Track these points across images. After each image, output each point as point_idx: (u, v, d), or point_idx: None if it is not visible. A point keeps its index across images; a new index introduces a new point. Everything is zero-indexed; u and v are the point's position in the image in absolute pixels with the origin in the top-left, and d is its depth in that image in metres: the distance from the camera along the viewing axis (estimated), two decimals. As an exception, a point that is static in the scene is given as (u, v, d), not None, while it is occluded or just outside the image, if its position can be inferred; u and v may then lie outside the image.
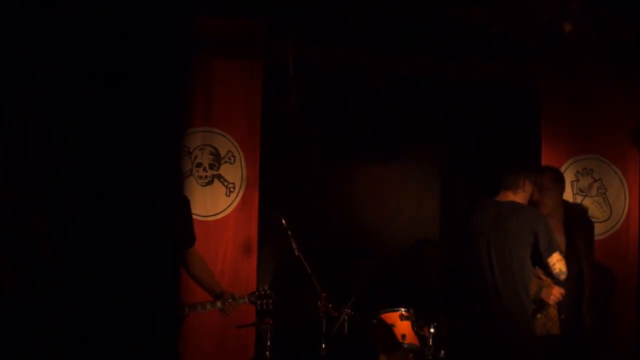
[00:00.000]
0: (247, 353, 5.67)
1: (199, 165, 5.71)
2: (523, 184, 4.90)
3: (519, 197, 4.89)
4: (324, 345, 5.19)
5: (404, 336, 5.41)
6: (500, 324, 4.73)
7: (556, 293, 4.79)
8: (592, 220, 5.87)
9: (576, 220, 5.20)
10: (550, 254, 4.70)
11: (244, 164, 5.78)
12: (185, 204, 4.67)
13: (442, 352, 5.34)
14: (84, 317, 5.08)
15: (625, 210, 6.05)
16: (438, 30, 5.98)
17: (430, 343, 5.39)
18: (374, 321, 5.53)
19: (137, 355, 4.56)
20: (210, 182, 5.72)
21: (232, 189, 5.76)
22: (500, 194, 4.92)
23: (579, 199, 6.06)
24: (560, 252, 4.73)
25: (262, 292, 5.04)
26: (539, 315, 4.88)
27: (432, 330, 5.40)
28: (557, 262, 4.70)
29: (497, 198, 4.91)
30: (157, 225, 4.60)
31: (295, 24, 5.81)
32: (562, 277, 4.72)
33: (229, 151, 5.77)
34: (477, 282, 4.83)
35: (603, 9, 5.66)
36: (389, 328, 5.46)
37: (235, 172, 5.76)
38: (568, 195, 5.98)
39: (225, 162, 5.75)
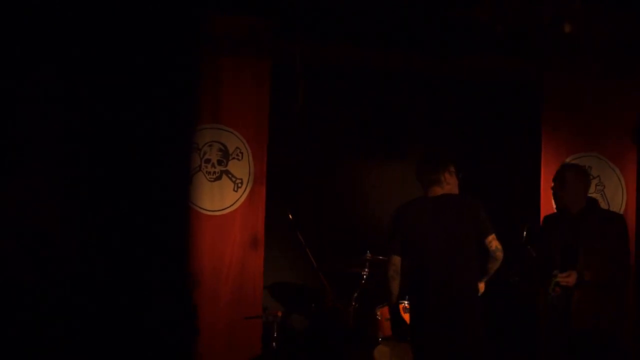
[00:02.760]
0: (254, 344, 5.72)
1: (208, 161, 5.81)
2: (444, 177, 4.99)
3: (447, 189, 4.98)
4: (329, 337, 5.30)
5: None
6: (456, 310, 4.80)
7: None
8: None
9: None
10: (487, 235, 4.80)
11: (251, 160, 5.85)
12: None
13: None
14: (99, 308, 5.17)
15: (623, 207, 6.12)
16: (441, 30, 6.04)
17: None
18: (378, 314, 5.60)
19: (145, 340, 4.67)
20: (219, 178, 5.81)
21: (239, 185, 5.84)
22: (429, 190, 4.98)
23: (577, 196, 6.12)
24: (496, 234, 4.87)
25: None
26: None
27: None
28: (492, 241, 4.80)
29: (429, 195, 4.98)
30: (166, 216, 4.70)
31: (303, 23, 5.87)
32: (499, 254, 4.79)
33: (237, 148, 5.85)
34: (429, 275, 4.81)
35: (603, 8, 5.71)
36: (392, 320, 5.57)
37: (243, 168, 5.84)
38: None
39: (234, 158, 5.83)
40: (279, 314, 5.54)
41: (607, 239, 4.91)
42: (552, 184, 5.10)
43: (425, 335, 4.73)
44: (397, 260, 4.79)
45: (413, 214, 4.92)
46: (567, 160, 6.12)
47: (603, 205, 6.09)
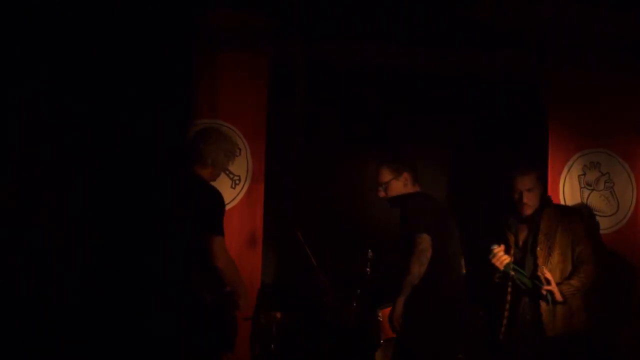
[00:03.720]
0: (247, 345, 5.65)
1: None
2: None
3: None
4: (330, 339, 5.21)
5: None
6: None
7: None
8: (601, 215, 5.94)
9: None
10: None
11: (249, 156, 5.78)
12: (208, 192, 4.70)
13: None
14: (98, 309, 5.11)
15: (633, 204, 6.01)
16: (445, 27, 5.98)
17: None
18: (380, 315, 5.49)
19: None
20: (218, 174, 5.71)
21: (237, 182, 5.77)
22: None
23: (586, 193, 6.03)
24: None
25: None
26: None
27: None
28: None
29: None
30: (165, 212, 4.64)
31: (302, 19, 5.82)
32: None
33: (235, 144, 5.75)
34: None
35: (610, 3, 5.65)
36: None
37: (240, 164, 5.74)
38: (575, 189, 6.01)
39: (231, 154, 5.77)
40: (278, 314, 5.45)
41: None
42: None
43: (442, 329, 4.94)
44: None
45: (434, 206, 5.22)
46: (576, 156, 6.02)
47: (612, 202, 5.99)
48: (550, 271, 4.91)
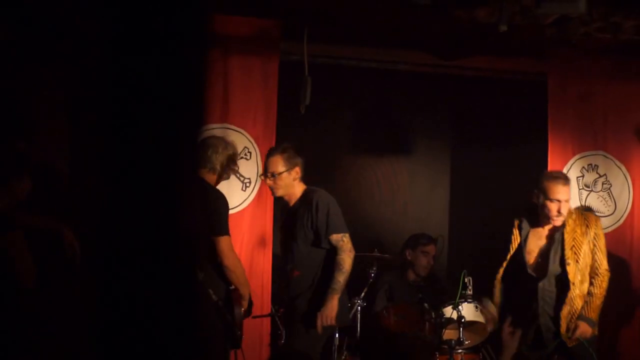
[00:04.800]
0: (263, 343, 5.79)
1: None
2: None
3: None
4: (337, 335, 5.26)
5: (414, 326, 5.54)
6: None
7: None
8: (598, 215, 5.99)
9: None
10: None
11: (259, 160, 5.84)
12: (213, 194, 4.81)
13: (452, 342, 5.46)
14: (107, 309, 5.21)
15: (629, 205, 6.15)
16: (447, 28, 6.04)
17: (441, 333, 5.52)
18: (385, 312, 5.63)
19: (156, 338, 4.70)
20: (227, 177, 5.76)
21: (247, 184, 5.86)
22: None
23: (584, 194, 6.15)
24: None
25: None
26: None
27: (442, 321, 5.52)
28: None
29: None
30: (172, 217, 4.73)
31: (310, 23, 5.88)
32: None
33: (245, 147, 5.86)
34: None
35: (609, 6, 5.72)
36: (399, 318, 5.58)
37: (251, 167, 5.84)
38: (574, 191, 6.07)
39: (242, 157, 5.80)
40: (281, 310, 5.55)
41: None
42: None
43: None
44: None
45: None
46: (574, 158, 6.13)
47: (610, 203, 6.09)
48: (575, 276, 4.97)
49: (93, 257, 5.27)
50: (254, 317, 5.54)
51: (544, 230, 5.12)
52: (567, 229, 5.01)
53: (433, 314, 5.47)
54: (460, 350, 5.42)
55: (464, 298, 5.29)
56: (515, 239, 5.18)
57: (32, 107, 5.41)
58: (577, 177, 6.15)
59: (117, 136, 5.79)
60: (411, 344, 5.60)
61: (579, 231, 5.01)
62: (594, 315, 4.99)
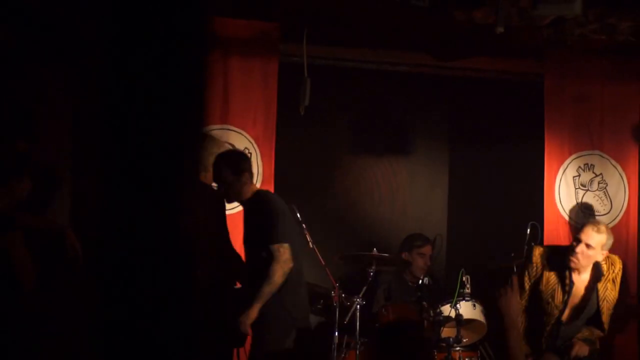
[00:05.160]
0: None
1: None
2: None
3: None
4: (336, 334, 5.30)
5: (413, 326, 5.58)
6: None
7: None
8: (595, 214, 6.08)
9: None
10: None
11: (259, 160, 5.86)
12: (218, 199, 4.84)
13: (450, 339, 5.49)
14: (109, 310, 5.23)
15: (625, 204, 6.18)
16: (446, 29, 6.07)
17: (439, 332, 5.54)
18: (384, 310, 5.63)
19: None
20: (225, 177, 5.83)
21: (248, 184, 5.88)
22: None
23: (580, 194, 6.17)
24: None
25: None
26: None
27: (440, 319, 5.56)
28: None
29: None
30: (174, 220, 4.75)
31: (309, 24, 5.92)
32: None
33: (246, 148, 5.86)
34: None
35: (604, 7, 5.75)
36: (398, 317, 5.59)
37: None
38: (570, 190, 6.15)
39: (242, 158, 5.87)
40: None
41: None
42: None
43: None
44: None
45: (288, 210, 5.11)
46: (571, 158, 6.18)
47: (606, 202, 6.13)
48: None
49: (95, 258, 5.31)
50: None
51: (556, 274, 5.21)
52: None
53: (431, 312, 5.50)
54: (458, 348, 5.44)
55: (462, 296, 5.32)
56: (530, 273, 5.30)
57: (34, 107, 5.43)
58: (574, 177, 6.17)
59: (118, 137, 5.83)
60: (409, 343, 5.61)
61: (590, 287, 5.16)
62: (589, 333, 5.14)
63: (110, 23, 5.56)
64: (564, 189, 6.17)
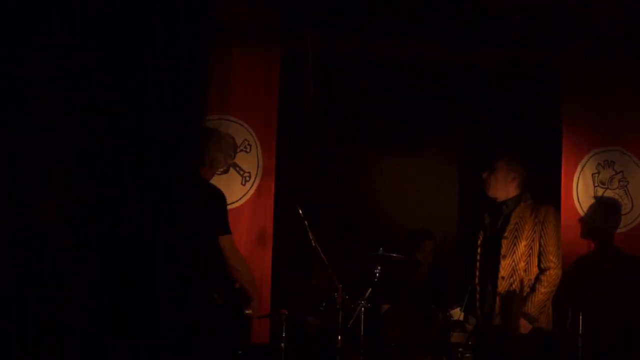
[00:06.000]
0: (262, 343, 5.61)
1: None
2: None
3: None
4: (340, 337, 5.16)
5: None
6: None
7: None
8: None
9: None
10: None
11: (260, 153, 5.75)
12: (213, 192, 4.76)
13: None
14: (107, 306, 5.07)
15: (646, 203, 6.00)
16: (458, 20, 5.93)
17: (447, 334, 5.38)
18: (389, 312, 5.62)
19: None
20: (226, 171, 5.65)
21: (247, 178, 5.73)
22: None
23: (599, 192, 5.99)
24: None
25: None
26: None
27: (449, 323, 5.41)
28: None
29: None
30: (181, 210, 4.62)
31: (313, 13, 5.77)
32: None
33: (245, 140, 5.74)
34: None
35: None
36: (405, 326, 5.55)
37: (251, 161, 5.73)
38: (589, 188, 5.97)
39: (241, 150, 5.71)
40: (284, 311, 5.42)
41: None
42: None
43: None
44: None
45: None
46: (590, 154, 6.00)
47: (626, 201, 5.96)
48: (512, 260, 5.12)
49: (87, 254, 5.15)
50: (260, 317, 5.42)
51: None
52: (517, 209, 5.28)
53: (440, 314, 5.37)
54: (467, 355, 5.33)
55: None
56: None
57: (27, 97, 5.32)
58: (593, 174, 6.01)
59: (116, 130, 5.65)
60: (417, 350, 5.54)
61: (524, 214, 5.24)
62: (534, 310, 5.06)
63: (111, 12, 5.35)
64: (582, 187, 6.00)
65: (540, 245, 5.14)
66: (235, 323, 4.64)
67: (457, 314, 5.45)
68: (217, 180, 5.61)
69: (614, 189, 5.98)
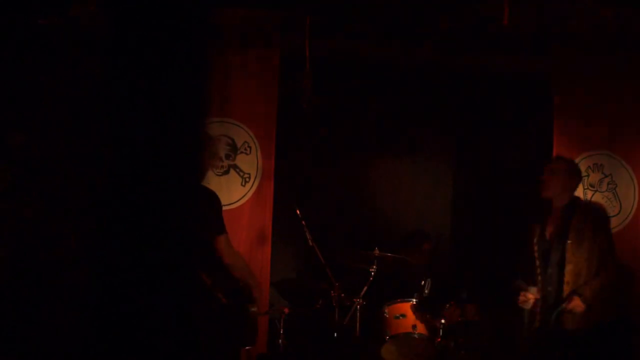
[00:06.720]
0: (261, 341, 5.68)
1: (218, 156, 5.73)
2: None
3: None
4: (336, 334, 5.25)
5: (414, 326, 5.47)
6: None
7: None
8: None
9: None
10: None
11: (259, 154, 5.79)
12: (207, 193, 4.74)
13: (452, 342, 5.42)
14: (104, 308, 5.14)
15: (635, 206, 6.07)
16: (452, 24, 5.98)
17: (441, 333, 5.49)
18: (386, 311, 5.57)
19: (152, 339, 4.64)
20: (226, 172, 5.75)
21: (247, 179, 5.79)
22: None
23: (589, 194, 6.07)
24: None
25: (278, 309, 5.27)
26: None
27: (442, 321, 5.50)
28: None
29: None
30: (176, 214, 4.67)
31: (312, 16, 5.78)
32: None
33: (245, 142, 5.79)
34: None
35: (614, 4, 5.66)
36: (400, 318, 5.54)
37: (250, 162, 5.78)
38: (579, 190, 5.99)
39: (241, 152, 5.78)
40: (286, 310, 5.49)
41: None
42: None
43: None
44: None
45: None
46: (580, 158, 6.07)
47: (615, 203, 6.03)
48: (577, 265, 4.95)
49: (90, 254, 5.22)
50: (260, 314, 5.48)
51: (553, 217, 5.15)
52: (576, 212, 5.06)
53: (428, 316, 5.46)
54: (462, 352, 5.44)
55: (465, 300, 5.26)
56: (535, 227, 5.23)
57: (29, 99, 5.35)
58: (583, 177, 6.03)
59: (115, 132, 5.72)
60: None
61: (584, 218, 5.05)
62: (589, 293, 4.94)
63: (111, 15, 5.45)
64: None
65: (599, 246, 5.01)
66: (242, 321, 4.67)
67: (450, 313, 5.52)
68: (218, 181, 5.69)
69: (603, 192, 6.06)
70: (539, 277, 5.03)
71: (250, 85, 5.82)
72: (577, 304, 4.92)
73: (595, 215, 5.13)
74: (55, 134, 5.37)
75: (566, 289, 4.96)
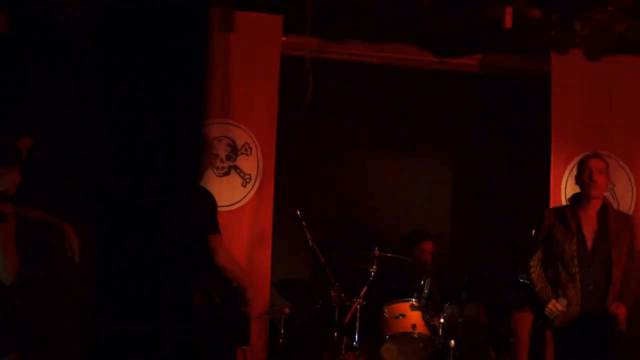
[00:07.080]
0: (261, 341, 5.76)
1: (216, 156, 5.78)
2: None
3: None
4: (336, 334, 5.26)
5: (414, 326, 5.47)
6: None
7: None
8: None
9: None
10: None
11: (260, 155, 5.83)
12: (203, 194, 4.77)
13: (452, 342, 5.44)
14: (107, 307, 5.15)
15: (633, 205, 6.12)
16: (453, 25, 6.03)
17: (440, 333, 5.50)
18: (385, 311, 5.58)
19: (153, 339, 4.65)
20: (227, 173, 5.79)
21: (248, 180, 5.83)
22: None
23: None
24: None
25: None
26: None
27: (442, 320, 5.51)
28: None
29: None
30: (175, 212, 4.69)
31: (312, 17, 5.79)
32: None
33: (246, 143, 5.83)
34: None
35: (610, 6, 5.69)
36: (399, 318, 5.55)
37: (251, 163, 5.82)
38: (577, 190, 6.06)
39: (242, 153, 5.82)
40: (286, 310, 5.53)
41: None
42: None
43: None
44: None
45: None
46: (578, 157, 6.09)
47: (613, 203, 6.07)
48: (619, 266, 4.92)
49: (93, 253, 5.24)
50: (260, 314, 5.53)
51: (588, 217, 5.04)
52: (610, 217, 4.97)
53: (427, 316, 5.49)
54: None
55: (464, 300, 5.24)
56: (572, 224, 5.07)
57: (33, 101, 5.38)
58: (582, 177, 6.08)
59: (118, 132, 5.72)
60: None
61: (619, 223, 5.00)
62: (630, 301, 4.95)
63: (111, 15, 5.44)
64: (570, 189, 6.05)
65: (629, 248, 4.99)
66: (235, 320, 4.69)
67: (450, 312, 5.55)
68: (219, 182, 5.74)
69: (600, 192, 6.11)
70: (577, 277, 4.93)
71: (251, 86, 5.86)
72: (623, 311, 4.91)
73: (625, 215, 5.16)
74: (58, 136, 5.41)
75: (612, 289, 4.91)
